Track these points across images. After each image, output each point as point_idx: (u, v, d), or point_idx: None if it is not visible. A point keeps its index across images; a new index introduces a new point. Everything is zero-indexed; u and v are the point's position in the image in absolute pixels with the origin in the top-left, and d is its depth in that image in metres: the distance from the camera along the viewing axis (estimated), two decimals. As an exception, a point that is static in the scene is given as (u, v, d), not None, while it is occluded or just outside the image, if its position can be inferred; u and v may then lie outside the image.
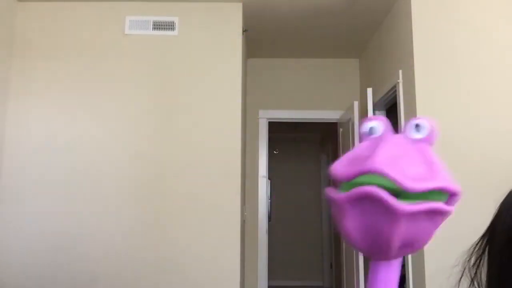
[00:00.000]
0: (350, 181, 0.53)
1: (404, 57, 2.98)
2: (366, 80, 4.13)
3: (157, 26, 3.21)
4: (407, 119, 2.86)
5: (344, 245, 4.01)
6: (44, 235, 2.95)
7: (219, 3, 3.24)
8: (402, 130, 0.57)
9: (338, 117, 4.23)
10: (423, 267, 2.57)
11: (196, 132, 3.10)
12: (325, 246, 6.98)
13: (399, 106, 3.01)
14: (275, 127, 4.66)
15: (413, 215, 0.50)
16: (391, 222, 0.50)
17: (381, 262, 0.57)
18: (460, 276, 0.54)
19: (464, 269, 0.54)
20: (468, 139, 2.70)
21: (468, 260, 0.54)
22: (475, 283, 0.52)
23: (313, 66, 4.40)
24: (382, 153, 0.51)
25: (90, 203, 2.99)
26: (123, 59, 3.17)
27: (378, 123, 0.59)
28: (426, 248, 2.57)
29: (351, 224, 0.53)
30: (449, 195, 0.53)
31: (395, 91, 3.14)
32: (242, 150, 3.32)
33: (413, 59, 2.80)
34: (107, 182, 3.02)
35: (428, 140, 0.55)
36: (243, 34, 3.34)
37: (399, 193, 0.50)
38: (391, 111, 3.62)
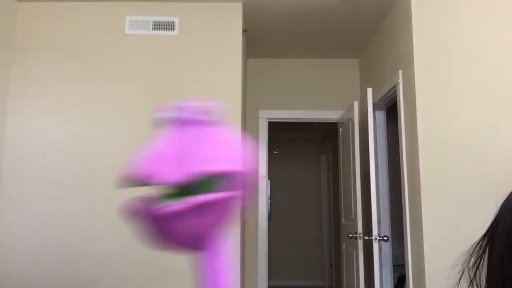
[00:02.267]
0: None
1: (404, 57, 2.98)
2: (366, 80, 4.13)
3: (157, 26, 3.21)
4: (407, 119, 2.87)
5: (344, 245, 4.01)
6: (44, 235, 2.95)
7: (219, 3, 3.24)
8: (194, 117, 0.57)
9: (338, 117, 4.23)
10: (423, 267, 2.57)
11: (196, 132, 3.09)
12: (325, 246, 6.98)
13: (399, 106, 3.01)
14: (275, 127, 4.66)
15: (170, 220, 0.50)
16: (158, 228, 0.53)
17: (204, 253, 0.59)
18: (459, 276, 0.54)
19: (464, 269, 0.53)
20: (469, 139, 2.69)
21: (468, 261, 0.53)
22: (474, 284, 0.52)
23: (313, 66, 4.40)
24: (145, 161, 0.54)
25: (90, 203, 2.99)
26: (123, 59, 3.17)
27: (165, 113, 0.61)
28: (426, 248, 2.57)
29: (147, 230, 0.58)
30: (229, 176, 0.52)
31: (395, 91, 3.14)
32: (242, 150, 3.32)
33: (413, 59, 2.80)
34: (107, 182, 3.02)
35: (212, 123, 0.56)
36: (243, 34, 3.34)
37: (177, 192, 0.50)
38: (391, 111, 3.62)
